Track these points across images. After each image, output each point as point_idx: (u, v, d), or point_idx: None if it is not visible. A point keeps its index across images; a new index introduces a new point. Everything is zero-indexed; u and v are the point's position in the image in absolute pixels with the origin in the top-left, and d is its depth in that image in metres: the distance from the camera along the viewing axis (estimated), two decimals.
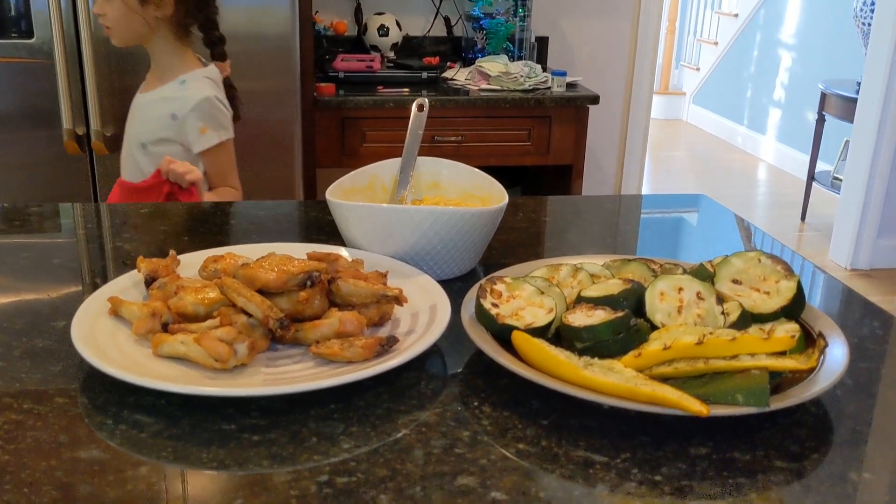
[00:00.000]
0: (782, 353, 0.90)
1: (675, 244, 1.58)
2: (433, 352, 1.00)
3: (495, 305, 1.00)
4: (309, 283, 0.96)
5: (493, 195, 1.32)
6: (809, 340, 1.00)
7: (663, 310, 0.99)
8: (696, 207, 1.76)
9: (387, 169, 1.39)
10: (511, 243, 1.42)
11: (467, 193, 1.37)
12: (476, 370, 0.97)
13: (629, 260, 1.15)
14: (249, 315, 0.95)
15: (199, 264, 1.10)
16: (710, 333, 0.91)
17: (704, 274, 1.08)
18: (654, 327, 0.98)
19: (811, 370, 0.90)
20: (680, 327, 0.95)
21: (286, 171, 2.80)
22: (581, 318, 0.95)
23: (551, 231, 1.52)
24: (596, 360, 0.92)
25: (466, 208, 1.16)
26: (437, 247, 1.17)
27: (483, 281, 1.04)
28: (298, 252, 1.16)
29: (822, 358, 0.90)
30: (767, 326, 0.98)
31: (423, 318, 1.02)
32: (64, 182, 2.31)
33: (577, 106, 3.50)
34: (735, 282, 1.08)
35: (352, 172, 1.35)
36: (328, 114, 3.24)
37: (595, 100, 3.50)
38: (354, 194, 1.33)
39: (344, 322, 0.95)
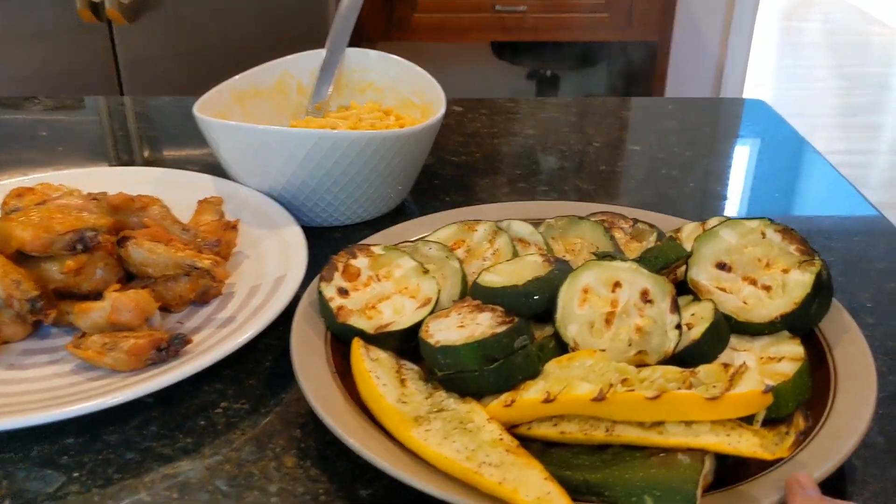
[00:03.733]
0: (746, 419, 0.52)
1: (680, 189, 1.13)
2: (255, 354, 0.66)
3: (343, 293, 0.64)
4: (80, 246, 0.63)
5: (434, 104, 0.93)
6: (822, 369, 0.61)
7: (583, 319, 0.61)
8: (741, 121, 1.27)
9: (304, 64, 1.01)
10: (479, 168, 1.03)
11: (406, 100, 0.98)
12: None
13: (580, 218, 0.75)
14: None
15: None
16: (624, 382, 0.53)
17: (672, 254, 0.68)
18: (562, 348, 0.60)
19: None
20: (592, 355, 0.56)
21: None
22: (447, 329, 0.58)
23: (545, 152, 1.11)
24: (451, 403, 0.55)
25: (364, 133, 0.79)
26: (333, 182, 0.81)
27: (341, 252, 0.68)
28: (151, 183, 0.83)
29: (800, 445, 0.51)
30: (736, 364, 0.58)
31: (257, 298, 0.68)
32: (82, 54, 2.02)
33: None
34: (721, 266, 0.68)
35: (255, 68, 0.97)
36: None
37: None
38: (256, 100, 0.97)
39: (117, 308, 0.62)
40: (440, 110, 0.86)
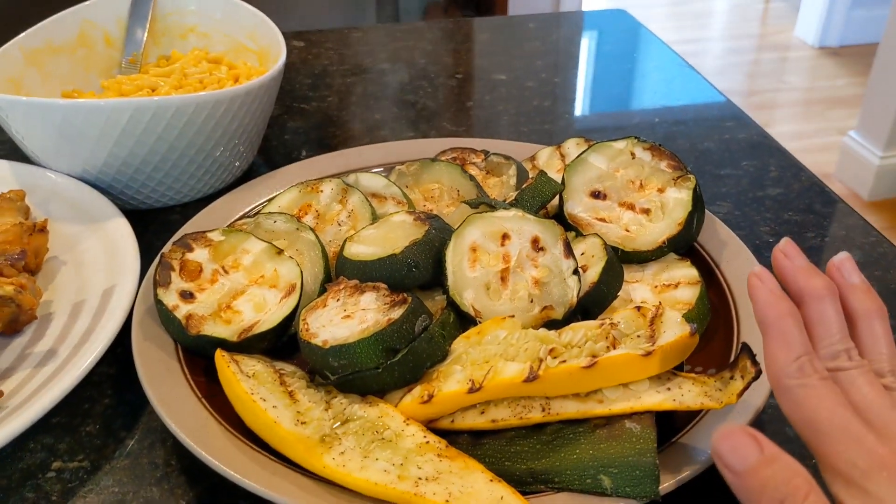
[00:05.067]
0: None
1: (538, 99, 1.06)
2: (88, 390, 0.51)
3: (188, 297, 0.50)
4: None
5: (272, 48, 0.77)
6: (713, 286, 0.55)
7: (477, 281, 0.51)
8: (600, 30, 1.19)
9: (107, 9, 0.82)
10: (333, 116, 0.89)
11: (238, 44, 0.83)
12: (163, 428, 0.50)
13: (431, 161, 0.65)
14: None
15: None
16: (553, 355, 0.44)
17: (548, 190, 0.60)
18: (463, 318, 0.50)
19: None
20: (501, 325, 0.47)
21: None
22: (330, 321, 0.47)
23: (406, 90, 0.98)
24: (357, 409, 0.45)
25: (190, 97, 0.63)
26: (160, 158, 0.65)
27: (172, 247, 0.53)
28: None
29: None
30: (654, 301, 0.52)
31: (83, 319, 0.52)
32: None
33: None
34: (596, 195, 0.61)
35: (48, 20, 0.78)
36: None
37: None
38: (55, 57, 0.77)
39: None
40: (280, 56, 0.71)
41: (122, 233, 0.59)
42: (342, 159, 0.70)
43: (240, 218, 0.62)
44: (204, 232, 0.54)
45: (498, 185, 0.66)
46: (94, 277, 0.56)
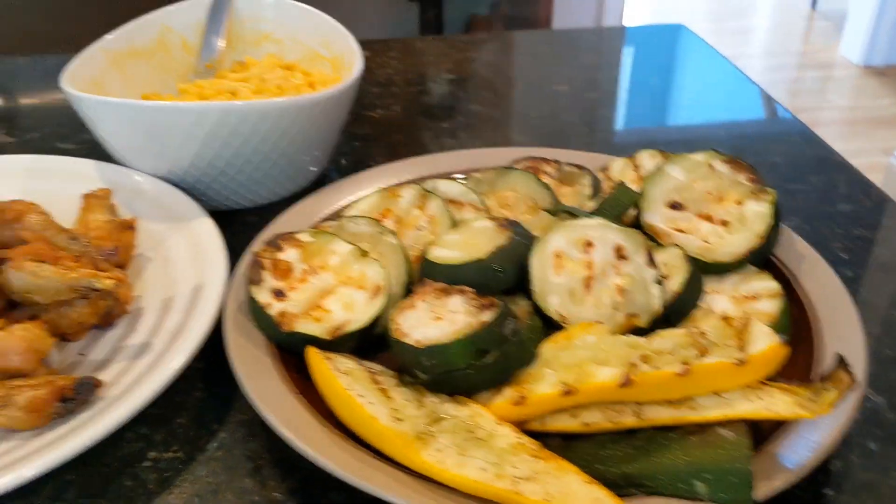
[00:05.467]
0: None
1: (605, 113, 1.06)
2: (179, 382, 0.52)
3: (280, 295, 0.51)
4: None
5: (346, 56, 0.79)
6: (792, 300, 0.55)
7: (561, 287, 0.52)
8: (660, 44, 1.21)
9: (186, 16, 0.84)
10: (400, 123, 0.90)
11: (311, 52, 0.84)
12: (258, 418, 0.50)
13: (507, 169, 0.66)
14: None
15: None
16: (645, 361, 0.44)
17: (626, 199, 0.60)
18: (548, 323, 0.51)
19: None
20: (589, 330, 0.47)
21: None
22: (420, 321, 0.48)
23: (470, 99, 1.00)
24: (449, 409, 0.45)
25: (275, 101, 0.64)
26: (243, 160, 0.67)
27: (260, 246, 0.54)
28: (21, 173, 0.67)
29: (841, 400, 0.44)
30: (735, 312, 0.52)
31: (174, 314, 0.53)
32: None
33: None
34: (674, 206, 0.61)
35: (129, 24, 0.80)
36: None
37: None
38: (135, 61, 0.79)
39: (3, 351, 0.46)
40: (356, 64, 0.72)
41: (207, 232, 0.60)
42: (417, 166, 0.71)
43: (322, 221, 0.63)
44: (293, 233, 0.55)
45: (571, 194, 0.67)
46: (182, 274, 0.57)
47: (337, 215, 0.63)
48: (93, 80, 0.74)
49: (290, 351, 0.50)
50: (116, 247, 0.56)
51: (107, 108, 0.65)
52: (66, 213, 0.61)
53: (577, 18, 3.01)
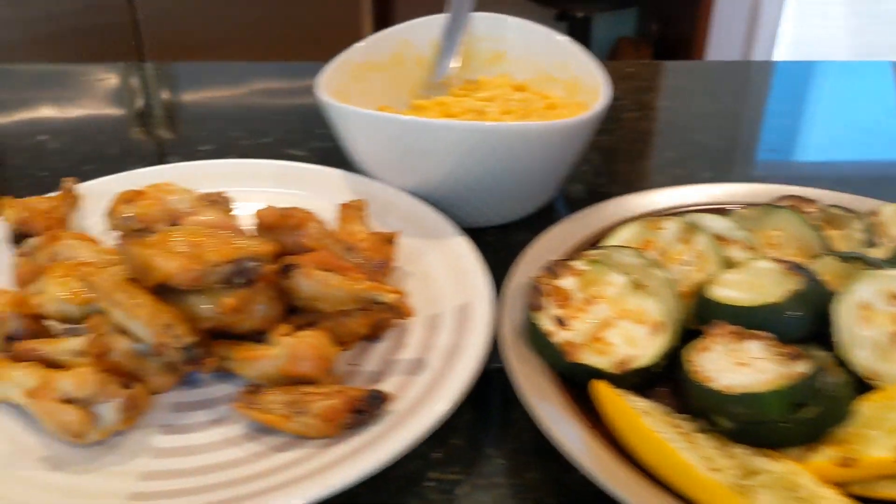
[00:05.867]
0: None
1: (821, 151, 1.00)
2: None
3: (561, 323, 0.50)
4: (239, 279, 0.47)
5: (583, 79, 0.77)
6: None
7: (869, 341, 0.47)
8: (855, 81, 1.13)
9: (424, 31, 0.85)
10: (625, 150, 0.88)
11: (544, 74, 0.83)
12: (534, 446, 0.49)
13: (773, 207, 0.62)
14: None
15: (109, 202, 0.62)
16: None
17: None
18: (854, 379, 0.47)
19: None
20: None
21: None
22: (721, 366, 0.45)
23: (693, 129, 0.97)
24: (763, 463, 0.42)
25: (541, 124, 0.63)
26: (484, 180, 0.66)
27: (542, 272, 0.53)
28: (269, 179, 0.68)
29: None
30: None
31: (444, 333, 0.53)
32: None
33: None
34: None
35: (370, 38, 0.81)
36: None
37: None
38: (372, 74, 0.80)
39: (296, 359, 0.47)
40: (601, 89, 0.70)
41: (464, 250, 0.60)
42: (665, 196, 0.68)
43: (576, 248, 0.61)
44: (568, 260, 0.53)
45: (840, 238, 0.62)
46: (443, 292, 0.57)
47: (592, 243, 0.61)
48: (338, 90, 0.76)
49: (571, 382, 0.48)
50: (385, 261, 0.56)
51: (373, 122, 0.66)
52: None
53: (727, 52, 2.90)
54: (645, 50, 2.83)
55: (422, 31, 0.85)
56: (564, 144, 0.66)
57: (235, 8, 1.99)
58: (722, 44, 2.92)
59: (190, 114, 0.96)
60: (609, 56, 2.87)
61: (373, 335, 0.53)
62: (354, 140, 0.69)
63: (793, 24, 3.40)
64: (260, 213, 0.53)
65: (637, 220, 0.61)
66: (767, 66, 1.19)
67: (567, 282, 0.52)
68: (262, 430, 0.47)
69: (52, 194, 0.64)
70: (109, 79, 1.04)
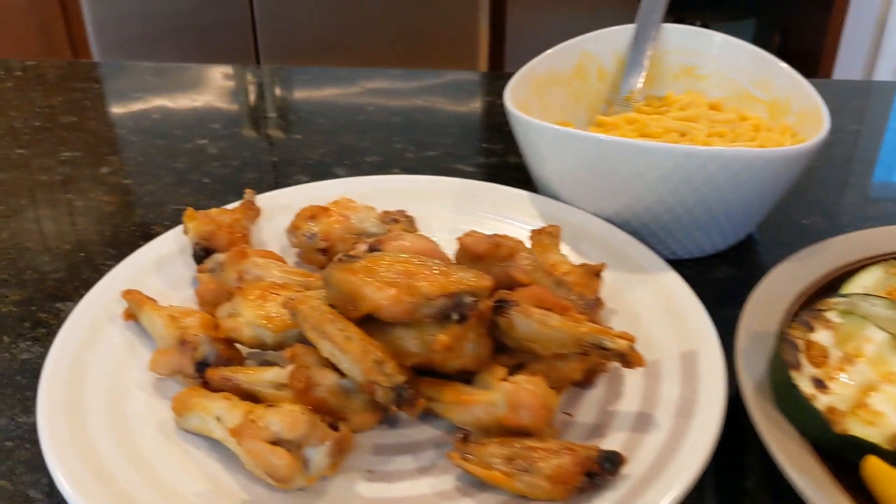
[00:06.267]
0: None
1: None
2: None
3: (821, 386, 0.43)
4: (456, 315, 0.43)
5: (788, 100, 0.70)
6: None
7: None
8: None
9: (607, 42, 0.79)
10: (821, 178, 0.80)
11: (741, 90, 0.76)
12: None
13: None
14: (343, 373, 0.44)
15: (291, 215, 0.59)
16: None
17: None
18: None
19: None
20: None
21: None
22: None
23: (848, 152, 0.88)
24: None
25: (754, 150, 0.56)
26: (693, 209, 0.60)
27: (792, 324, 0.46)
28: (449, 197, 0.65)
29: None
30: None
31: (668, 384, 0.47)
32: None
33: None
34: None
35: (552, 49, 0.76)
36: None
37: None
38: (553, 88, 0.75)
39: (516, 408, 0.42)
40: (815, 112, 0.64)
41: (677, 287, 0.54)
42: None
43: (812, 293, 0.54)
44: (822, 310, 0.47)
45: None
46: (657, 334, 0.51)
47: (825, 288, 0.54)
48: (520, 104, 0.71)
49: (833, 455, 0.41)
50: (598, 299, 0.50)
51: (547, 132, 0.60)
52: None
53: (858, 53, 2.70)
54: None
55: (606, 42, 0.79)
56: (785, 173, 0.59)
57: (351, 9, 1.99)
58: (852, 56, 2.73)
59: (348, 122, 0.93)
60: None
61: (585, 381, 0.48)
62: (544, 159, 0.64)
63: None
64: (466, 241, 0.48)
65: (880, 263, 0.54)
66: None
67: (822, 336, 0.45)
68: (477, 485, 0.42)
69: (233, 205, 0.61)
70: (250, 83, 1.03)
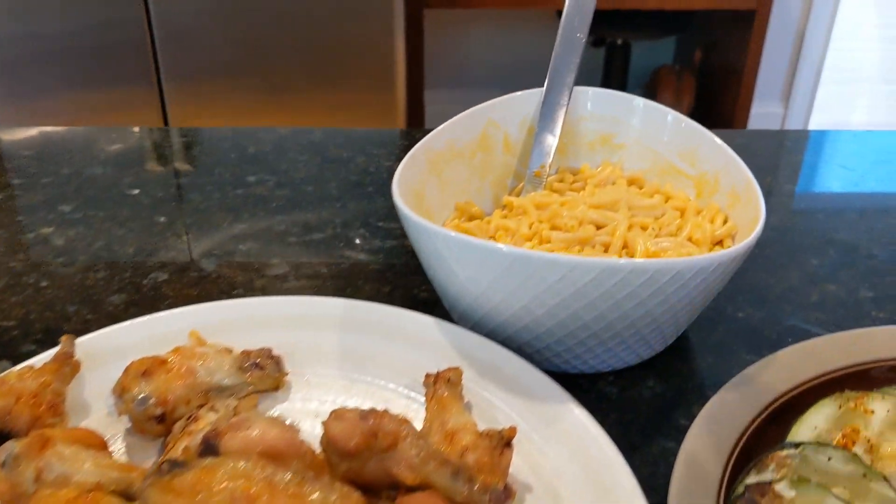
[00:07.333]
0: None
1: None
2: None
3: None
4: None
5: (717, 175, 0.62)
6: None
7: None
8: None
9: (511, 110, 0.70)
10: (772, 264, 0.71)
11: (664, 163, 0.68)
12: None
13: None
14: None
15: (119, 370, 0.47)
16: None
17: None
18: None
19: None
20: None
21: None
22: None
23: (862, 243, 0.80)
24: None
25: (683, 261, 0.47)
26: (614, 324, 0.50)
27: (750, 480, 0.37)
28: (332, 324, 0.54)
29: None
30: None
31: None
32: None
33: None
34: None
35: (453, 119, 0.66)
36: None
37: None
38: (454, 163, 0.66)
39: None
40: (753, 193, 0.55)
41: (598, 441, 0.44)
42: (848, 342, 0.52)
43: (755, 429, 0.45)
44: (770, 482, 0.38)
45: None
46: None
47: (772, 418, 0.45)
48: (415, 191, 0.61)
49: None
50: (508, 489, 0.40)
51: (448, 241, 0.50)
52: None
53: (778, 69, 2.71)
54: (688, 79, 2.64)
55: (513, 108, 0.69)
56: (719, 279, 0.51)
57: (258, 28, 1.87)
58: (773, 70, 2.74)
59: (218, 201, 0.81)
60: (648, 85, 2.70)
61: None
62: (436, 272, 0.54)
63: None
64: (334, 433, 0.37)
65: (832, 396, 0.45)
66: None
67: (780, 488, 0.36)
68: None
69: (44, 360, 0.47)
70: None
